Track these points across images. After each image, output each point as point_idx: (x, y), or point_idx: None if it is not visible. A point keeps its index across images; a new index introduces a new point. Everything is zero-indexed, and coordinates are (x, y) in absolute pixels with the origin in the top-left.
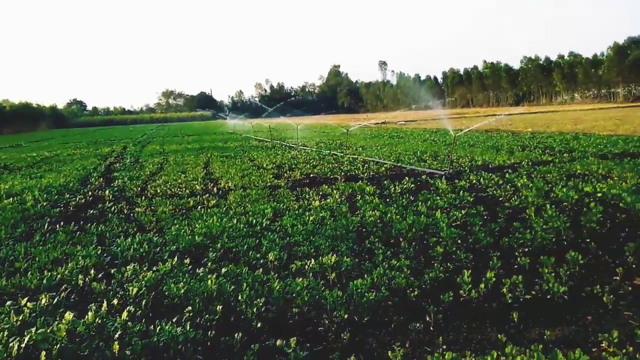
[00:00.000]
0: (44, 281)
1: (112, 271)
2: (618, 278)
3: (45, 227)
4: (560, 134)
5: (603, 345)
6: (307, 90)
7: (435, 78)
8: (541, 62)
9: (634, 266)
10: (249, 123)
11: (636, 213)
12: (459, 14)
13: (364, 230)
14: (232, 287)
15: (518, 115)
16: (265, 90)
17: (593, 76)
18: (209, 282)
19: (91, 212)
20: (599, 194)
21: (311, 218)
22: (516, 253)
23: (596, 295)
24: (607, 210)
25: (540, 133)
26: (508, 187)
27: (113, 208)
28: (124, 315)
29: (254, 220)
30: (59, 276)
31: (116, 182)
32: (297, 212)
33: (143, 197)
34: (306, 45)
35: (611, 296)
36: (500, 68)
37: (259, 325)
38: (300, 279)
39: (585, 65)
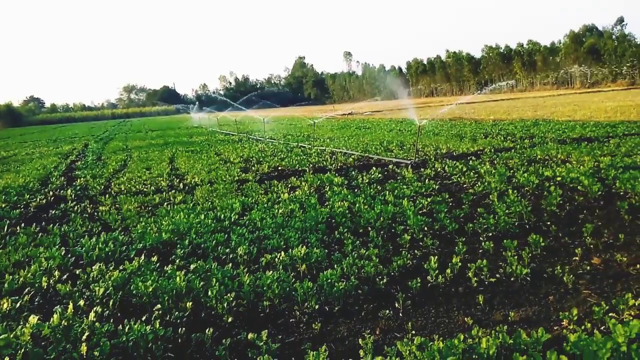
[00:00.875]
0: (5, 285)
1: (78, 272)
2: (577, 258)
3: (5, 229)
4: (521, 121)
5: (564, 323)
6: (272, 82)
7: (400, 68)
8: (502, 51)
9: (591, 246)
10: (215, 117)
11: (593, 195)
12: (423, 4)
13: (333, 221)
14: (202, 283)
15: (481, 103)
16: (230, 83)
17: (551, 63)
18: (178, 279)
19: (53, 212)
20: (559, 178)
21: (280, 211)
22: (481, 238)
23: (557, 276)
24: (566, 194)
25: (502, 120)
26: (472, 174)
27: (76, 207)
28: (91, 316)
29: (222, 215)
30: (21, 279)
31: (78, 180)
32: (266, 205)
33: (107, 195)
34: (270, 36)
35: (571, 276)
36: (462, 57)
37: (229, 320)
38: (271, 272)
39: (543, 53)
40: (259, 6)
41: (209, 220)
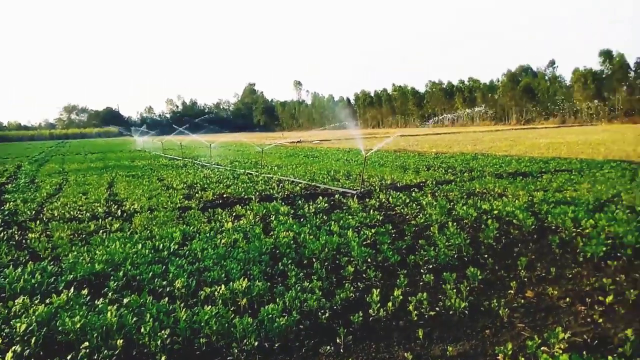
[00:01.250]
0: None
1: None
2: (512, 292)
3: None
4: (462, 154)
5: (499, 357)
6: (221, 107)
7: (348, 99)
8: (444, 87)
9: (525, 279)
10: (160, 140)
11: (527, 229)
12: (369, 39)
13: (277, 251)
14: (135, 318)
15: (424, 135)
16: (177, 107)
17: (490, 100)
18: (109, 314)
19: None
20: (496, 212)
21: (223, 241)
22: (422, 270)
23: (493, 309)
24: (503, 227)
25: (443, 153)
26: (414, 205)
27: (2, 234)
28: (9, 356)
29: (161, 245)
30: None
31: (7, 205)
32: (208, 235)
33: (38, 222)
34: (220, 61)
35: (506, 309)
36: (407, 91)
37: (163, 358)
38: (209, 306)
39: (483, 90)
40: (209, 31)
41: (147, 250)
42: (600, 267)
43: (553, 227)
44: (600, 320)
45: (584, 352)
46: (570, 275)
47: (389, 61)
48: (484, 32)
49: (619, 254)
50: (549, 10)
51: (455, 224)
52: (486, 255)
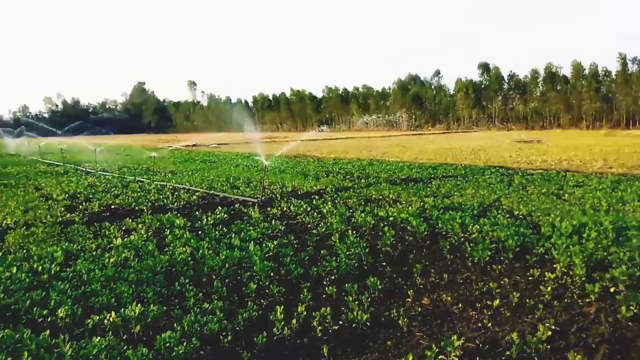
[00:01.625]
0: None
1: None
2: (410, 300)
3: None
4: (358, 160)
5: None
6: (108, 107)
7: (246, 102)
8: (340, 93)
9: (421, 286)
10: (37, 143)
11: (420, 235)
12: (266, 41)
13: (173, 270)
14: (9, 358)
15: (322, 140)
16: (57, 106)
17: (382, 107)
18: None
19: None
20: (391, 218)
21: (112, 260)
22: (324, 282)
23: (393, 319)
24: (398, 234)
25: (341, 159)
26: (315, 213)
27: None
28: None
29: (40, 267)
30: None
31: None
32: (94, 253)
33: None
34: (106, 57)
35: (405, 319)
36: (305, 95)
37: None
38: (98, 337)
39: (376, 97)
40: (93, 23)
41: (23, 274)
42: (486, 271)
43: (444, 233)
44: (490, 324)
45: (477, 358)
46: (461, 281)
47: (287, 64)
48: (377, 40)
49: (502, 258)
50: (435, 21)
51: (354, 232)
52: (384, 264)
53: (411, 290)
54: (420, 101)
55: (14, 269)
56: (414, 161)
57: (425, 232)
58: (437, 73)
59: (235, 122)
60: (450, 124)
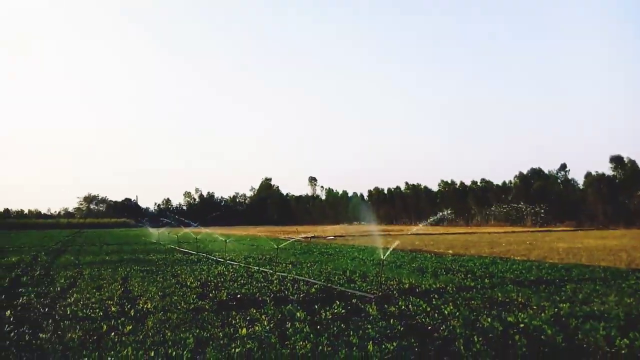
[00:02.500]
0: None
1: None
2: None
3: None
4: (479, 258)
5: None
6: (237, 200)
7: (362, 195)
8: (457, 187)
9: None
10: (175, 233)
11: (557, 345)
12: (384, 139)
13: None
14: None
15: (439, 235)
16: (194, 199)
17: (503, 201)
18: None
19: None
20: (522, 325)
21: (237, 350)
22: None
23: None
24: (531, 343)
25: (460, 255)
26: (436, 315)
27: (12, 334)
28: None
29: (174, 353)
30: None
31: (20, 299)
32: (222, 342)
33: (50, 320)
34: (238, 156)
35: None
36: (420, 189)
37: None
38: None
39: (495, 191)
40: (227, 126)
41: (160, 358)
42: None
43: (585, 346)
44: None
45: None
46: None
47: (402, 160)
48: (495, 134)
49: None
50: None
51: (481, 338)
52: None
53: None
54: (545, 195)
55: (152, 353)
56: (543, 260)
57: (563, 344)
58: (564, 167)
59: (350, 214)
60: (581, 221)
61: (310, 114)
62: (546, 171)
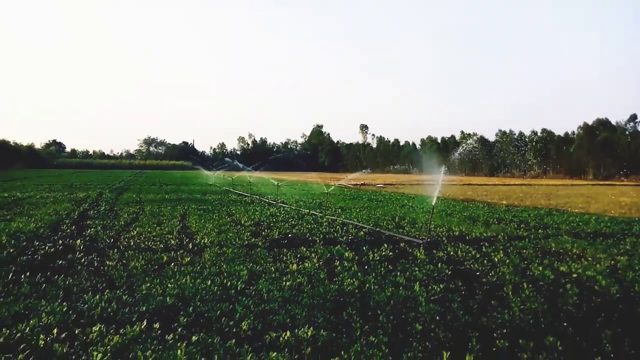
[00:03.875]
0: (1, 339)
1: (77, 331)
2: None
3: (9, 276)
4: (535, 209)
5: None
6: (289, 147)
7: (414, 144)
8: (515, 136)
9: (612, 355)
10: (230, 176)
11: (611, 297)
12: (439, 85)
13: (341, 299)
14: (203, 358)
15: (493, 186)
16: (248, 145)
17: (564, 153)
18: (179, 351)
19: (60, 262)
20: (574, 275)
21: (288, 283)
22: (495, 334)
23: None
24: (583, 293)
25: (514, 206)
26: (485, 261)
27: (83, 260)
28: None
29: (229, 283)
30: (18, 334)
31: (89, 230)
32: (273, 275)
33: (115, 250)
34: (290, 103)
35: None
36: (476, 139)
37: None
38: (275, 352)
39: (557, 142)
40: (282, 72)
41: (215, 287)
42: None
43: None
44: None
45: None
46: None
47: (458, 107)
48: (557, 81)
49: None
50: (627, 59)
51: (530, 285)
52: (565, 324)
53: (598, 358)
54: (611, 148)
55: (209, 282)
56: (603, 214)
57: (618, 295)
58: (633, 118)
59: (401, 163)
60: None
61: (362, 61)
62: (614, 122)
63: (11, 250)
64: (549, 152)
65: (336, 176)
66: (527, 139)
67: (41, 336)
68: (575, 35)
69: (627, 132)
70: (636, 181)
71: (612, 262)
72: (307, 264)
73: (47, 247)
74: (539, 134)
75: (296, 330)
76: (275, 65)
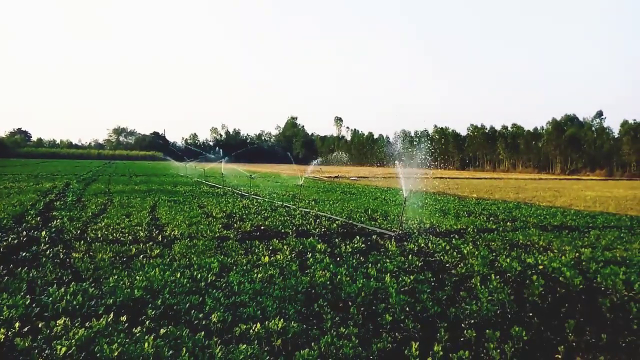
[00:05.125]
0: None
1: (40, 325)
2: (560, 356)
3: None
4: (503, 202)
5: None
6: (263, 138)
7: (388, 137)
8: (487, 131)
9: (574, 344)
10: (202, 167)
11: (575, 288)
12: (412, 80)
13: (313, 291)
14: (171, 351)
15: (464, 179)
16: (221, 135)
17: (533, 147)
18: (146, 344)
19: (23, 254)
20: (541, 267)
21: (260, 275)
22: (463, 324)
23: None
24: (548, 284)
25: (484, 199)
26: (455, 253)
27: (48, 252)
28: None
29: (199, 275)
30: None
31: (55, 222)
32: (245, 267)
33: (82, 241)
34: (264, 94)
35: None
36: (448, 133)
37: None
38: (245, 345)
39: (526, 137)
40: (255, 64)
41: (185, 280)
42: None
43: (602, 289)
44: None
45: None
46: (623, 344)
47: (432, 101)
48: (528, 80)
49: None
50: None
51: (498, 277)
52: (531, 314)
53: (562, 347)
54: (577, 144)
55: (178, 275)
56: (569, 207)
57: (581, 286)
58: (600, 114)
59: (375, 157)
60: (613, 170)
61: (338, 53)
62: (581, 118)
63: None
64: (519, 147)
65: (309, 169)
66: (497, 133)
67: (1, 330)
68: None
69: (593, 128)
70: (601, 176)
71: (577, 254)
72: (279, 256)
73: (10, 239)
74: (509, 128)
75: (267, 322)
76: (249, 56)
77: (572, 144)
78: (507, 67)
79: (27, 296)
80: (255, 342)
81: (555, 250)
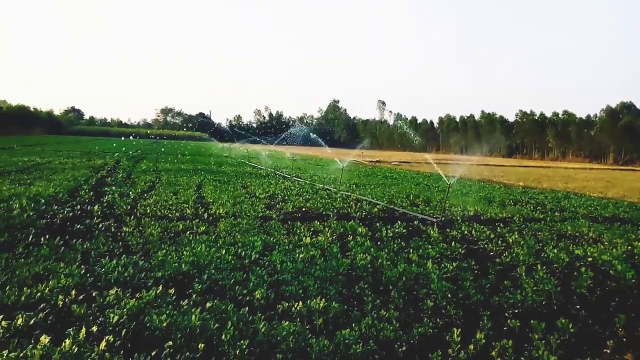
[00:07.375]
0: (22, 298)
1: (94, 294)
2: (608, 351)
3: (30, 238)
4: (552, 192)
5: None
6: (305, 121)
7: (432, 122)
8: (536, 118)
9: (624, 339)
10: (245, 148)
11: (626, 282)
12: (459, 65)
13: (354, 273)
14: (216, 324)
15: (510, 167)
16: (264, 117)
17: (585, 136)
18: (193, 317)
19: (78, 227)
20: (590, 259)
21: (301, 255)
22: (506, 314)
23: None
24: (598, 277)
25: (531, 188)
26: (499, 242)
27: (101, 225)
28: (102, 344)
29: (243, 253)
30: (38, 294)
31: (106, 197)
32: (287, 247)
33: (132, 216)
34: (308, 77)
35: None
36: (495, 119)
37: None
38: (287, 322)
39: (578, 124)
40: (300, 46)
41: (230, 256)
42: None
43: None
44: None
45: None
46: None
47: (478, 85)
48: (582, 64)
49: None
50: None
51: (544, 267)
52: (578, 306)
53: (611, 342)
54: (633, 133)
55: (223, 251)
56: (622, 199)
57: (633, 280)
58: None
59: (418, 141)
60: None
61: (382, 36)
62: (638, 106)
63: (31, 214)
64: (569, 135)
65: (352, 152)
66: (547, 121)
67: (60, 297)
68: (605, 18)
69: None
70: None
71: (629, 247)
72: (320, 238)
73: (65, 212)
74: (560, 115)
75: (308, 301)
76: (292, 38)
77: (628, 132)
78: (560, 52)
79: (82, 266)
80: (298, 319)
81: (606, 243)
